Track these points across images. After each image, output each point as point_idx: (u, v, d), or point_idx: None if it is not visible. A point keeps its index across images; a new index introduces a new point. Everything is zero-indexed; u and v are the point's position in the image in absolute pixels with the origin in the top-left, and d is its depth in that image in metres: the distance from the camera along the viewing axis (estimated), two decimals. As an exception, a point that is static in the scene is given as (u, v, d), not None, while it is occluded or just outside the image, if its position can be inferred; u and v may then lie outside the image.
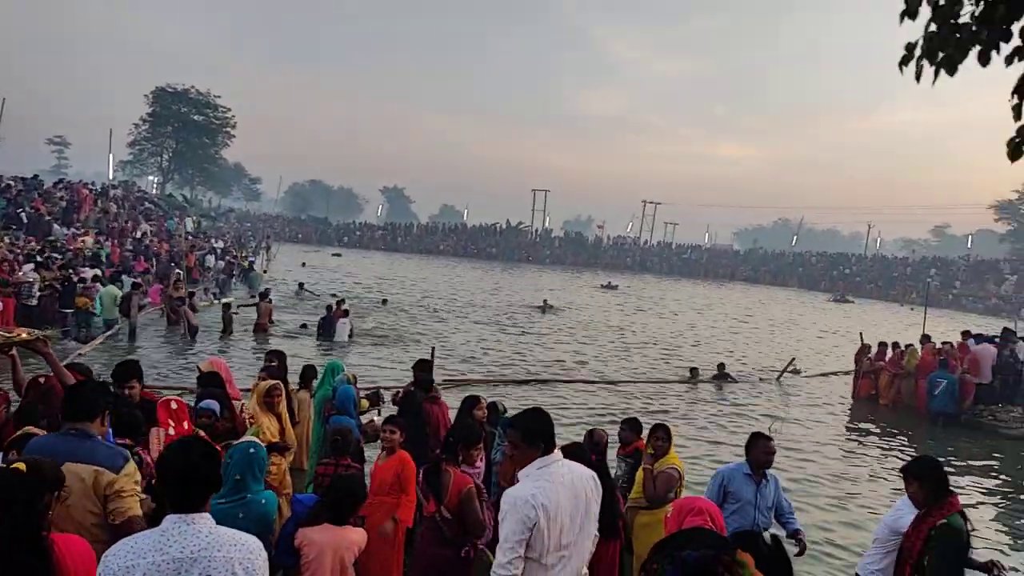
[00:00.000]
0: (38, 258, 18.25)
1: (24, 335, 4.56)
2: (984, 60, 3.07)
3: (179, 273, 23.67)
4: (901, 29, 3.31)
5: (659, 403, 14.15)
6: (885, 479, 10.19)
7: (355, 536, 3.91)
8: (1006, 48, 3.11)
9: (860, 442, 12.76)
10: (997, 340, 16.15)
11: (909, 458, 5.53)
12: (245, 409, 5.79)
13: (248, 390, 7.01)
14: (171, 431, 4.71)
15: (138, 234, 30.74)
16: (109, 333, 16.10)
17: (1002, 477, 11.00)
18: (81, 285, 16.94)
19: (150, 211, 40.44)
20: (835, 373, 19.29)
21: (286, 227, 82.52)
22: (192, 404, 5.60)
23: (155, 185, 71.82)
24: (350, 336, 18.24)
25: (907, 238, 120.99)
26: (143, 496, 3.37)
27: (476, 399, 6.44)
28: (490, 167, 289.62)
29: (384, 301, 27.19)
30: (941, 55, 3.14)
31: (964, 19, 3.05)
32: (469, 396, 6.52)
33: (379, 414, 7.49)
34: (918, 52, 3.19)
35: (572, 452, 3.79)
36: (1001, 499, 9.95)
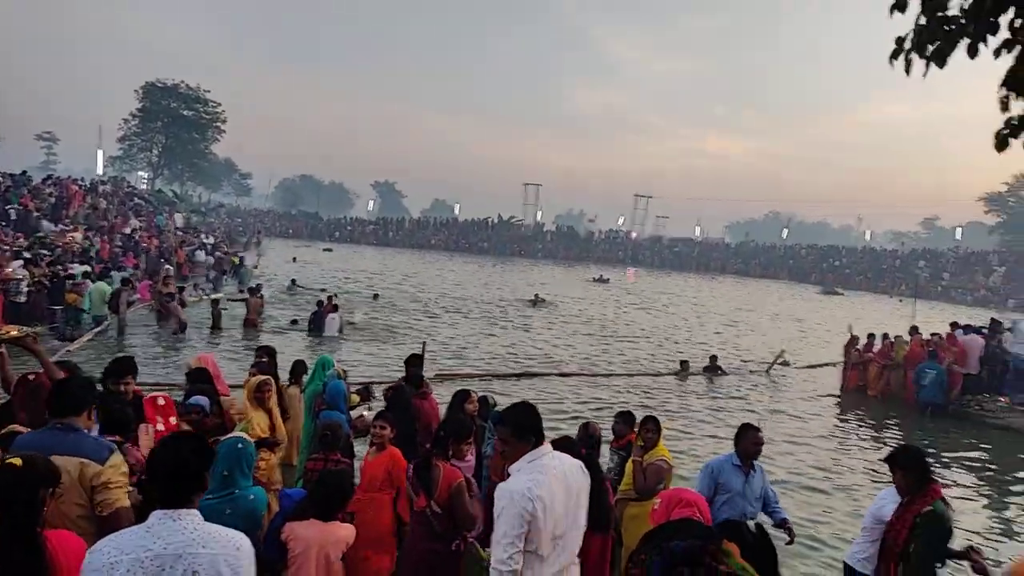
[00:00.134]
0: (26, 255, 18.12)
1: (13, 332, 4.53)
2: (973, 53, 3.08)
3: (169, 269, 23.57)
4: (891, 23, 3.31)
5: (650, 396, 14.19)
6: (875, 470, 10.26)
7: (342, 532, 3.89)
8: (994, 41, 3.11)
9: (849, 433, 12.84)
10: (985, 331, 16.29)
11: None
12: (234, 405, 5.76)
13: (238, 386, 6.99)
14: (160, 427, 4.69)
15: (127, 230, 30.55)
16: (98, 330, 16.00)
17: (990, 466, 11.09)
18: (70, 282, 16.81)
19: (140, 207, 40.20)
20: (824, 365, 19.39)
21: (277, 222, 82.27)
22: (181, 400, 5.59)
23: (145, 181, 71.46)
24: (340, 331, 18.20)
25: (897, 230, 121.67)
26: (130, 489, 3.36)
27: (467, 393, 6.43)
28: (484, 164, 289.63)
29: (375, 296, 27.14)
30: (931, 48, 3.14)
31: (953, 12, 3.06)
32: (460, 390, 6.50)
33: (369, 409, 7.48)
34: (908, 45, 3.19)
35: (562, 446, 3.79)
36: (989, 488, 10.04)
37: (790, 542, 5.18)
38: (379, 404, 7.53)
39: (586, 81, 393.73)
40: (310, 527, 3.82)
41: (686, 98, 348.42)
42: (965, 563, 4.35)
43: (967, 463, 11.13)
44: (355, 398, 7.56)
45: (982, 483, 10.23)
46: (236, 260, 32.39)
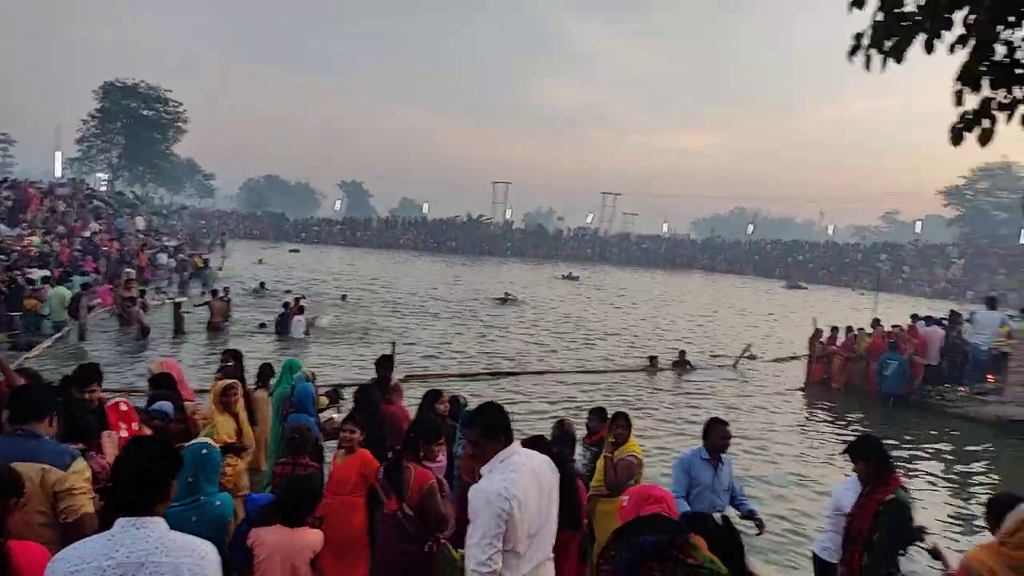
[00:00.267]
0: (-19, 260, 17.63)
1: None
2: (929, 48, 3.14)
3: (130, 272, 23.08)
4: (851, 20, 3.37)
5: (620, 392, 14.28)
6: (840, 462, 10.44)
7: (309, 538, 3.82)
8: (949, 36, 3.19)
9: (815, 426, 13.06)
10: (945, 322, 16.69)
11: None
12: (197, 410, 5.66)
13: (203, 391, 6.88)
14: (124, 433, 4.59)
15: (87, 233, 29.89)
16: (58, 336, 15.64)
17: (951, 455, 11.36)
18: (29, 287, 16.41)
19: (100, 209, 39.33)
20: (790, 358, 19.69)
21: (241, 223, 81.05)
22: (144, 406, 5.47)
23: (104, 182, 69.81)
24: (306, 332, 18.01)
25: (858, 224, 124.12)
26: (93, 496, 3.31)
27: (438, 393, 6.40)
28: (452, 162, 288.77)
29: (344, 297, 26.91)
30: (888, 44, 3.20)
31: (909, 8, 3.12)
32: (431, 390, 6.48)
33: (339, 411, 7.40)
34: (866, 41, 3.25)
35: (532, 444, 3.79)
36: (950, 477, 10.28)
37: (759, 533, 5.26)
38: (349, 406, 7.46)
39: (553, 77, 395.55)
40: (275, 533, 3.75)
41: (653, 93, 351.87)
42: (925, 549, 4.44)
43: (929, 452, 11.39)
44: (324, 401, 7.48)
45: (944, 472, 10.47)
46: (201, 262, 31.86)
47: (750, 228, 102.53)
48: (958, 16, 3.10)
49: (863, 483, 4.37)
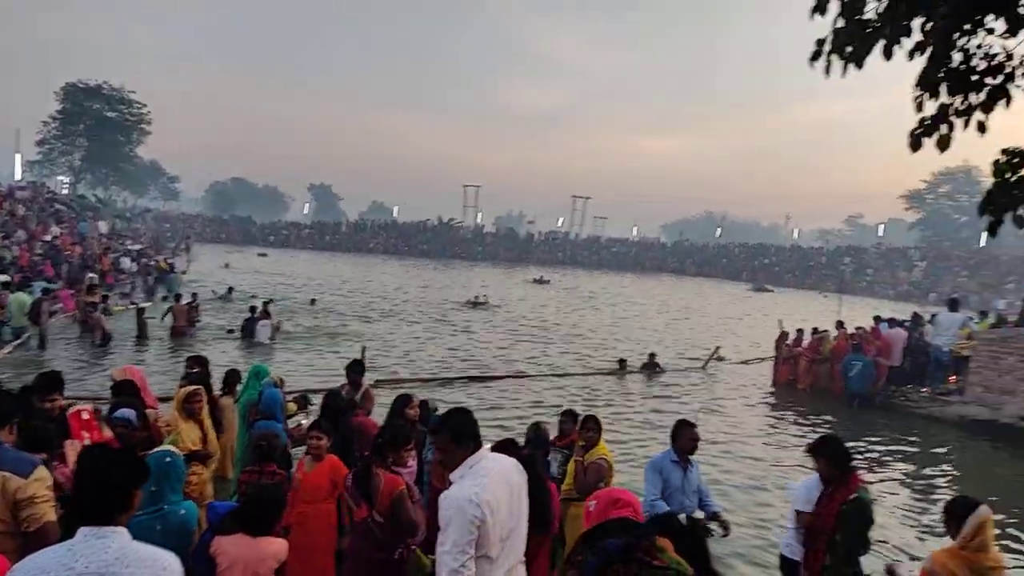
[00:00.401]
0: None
1: None
2: (888, 55, 3.21)
3: (93, 278, 22.61)
4: (813, 26, 3.42)
5: (590, 394, 14.32)
6: (808, 462, 10.58)
7: (272, 548, 3.74)
8: (908, 43, 3.26)
9: (782, 427, 13.22)
10: (907, 324, 17.04)
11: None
12: (160, 418, 5.55)
13: (168, 398, 6.75)
14: (87, 442, 4.49)
15: (48, 237, 29.21)
16: (18, 342, 15.27)
17: (914, 455, 11.58)
18: (-13, 292, 15.99)
19: (61, 213, 38.47)
20: (757, 360, 19.93)
21: (207, 227, 79.87)
22: (106, 413, 5.35)
23: (66, 185, 68.27)
24: (271, 337, 17.80)
25: (823, 228, 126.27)
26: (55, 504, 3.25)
27: (408, 398, 6.36)
28: (421, 164, 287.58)
29: (312, 301, 26.63)
30: (849, 50, 3.27)
31: (869, 15, 3.18)
32: (401, 395, 6.43)
33: (307, 417, 7.32)
34: (827, 47, 3.31)
35: (502, 448, 3.78)
36: (913, 476, 10.47)
37: (725, 535, 5.30)
38: (318, 412, 7.38)
39: (523, 80, 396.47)
40: (237, 542, 3.68)
41: (622, 97, 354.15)
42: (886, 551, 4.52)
43: (893, 452, 11.59)
44: (292, 407, 7.41)
45: (907, 471, 10.67)
46: (166, 266, 31.33)
47: (718, 232, 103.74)
48: (916, 23, 3.18)
49: (824, 482, 4.45)
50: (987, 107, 3.32)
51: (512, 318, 27.02)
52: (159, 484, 3.64)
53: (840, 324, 17.19)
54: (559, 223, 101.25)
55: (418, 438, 5.81)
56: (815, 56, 3.29)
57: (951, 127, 3.38)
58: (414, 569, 4.42)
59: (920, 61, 3.26)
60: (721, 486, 9.00)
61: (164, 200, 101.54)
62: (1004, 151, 3.35)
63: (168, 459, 3.77)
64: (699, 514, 5.39)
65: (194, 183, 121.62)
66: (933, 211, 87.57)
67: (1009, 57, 3.27)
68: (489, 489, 3.10)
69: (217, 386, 7.38)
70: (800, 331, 17.16)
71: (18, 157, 71.44)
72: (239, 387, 7.39)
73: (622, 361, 17.50)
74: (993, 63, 3.27)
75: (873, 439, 12.13)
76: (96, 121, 68.82)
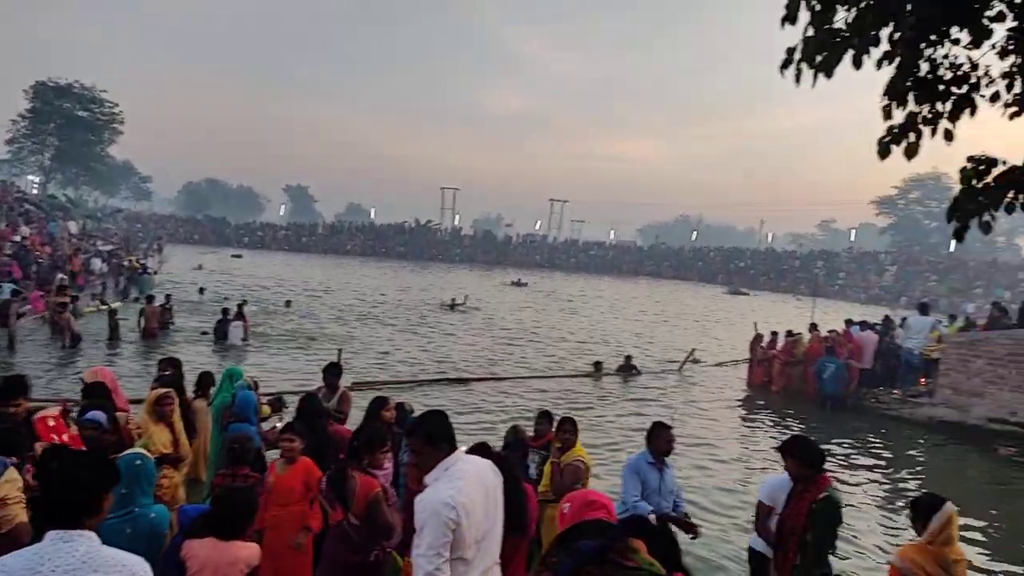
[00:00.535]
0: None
1: None
2: (857, 64, 3.27)
3: (63, 278, 22.24)
4: (785, 34, 3.48)
5: (567, 397, 14.36)
6: (779, 463, 10.70)
7: (243, 553, 3.69)
8: (877, 53, 3.33)
9: (756, 428, 13.37)
10: (878, 327, 17.31)
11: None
12: (131, 420, 5.47)
13: (139, 400, 6.66)
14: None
15: (17, 238, 28.62)
16: (-15, 344, 14.97)
17: (885, 456, 11.76)
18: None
19: (31, 213, 37.74)
20: (732, 362, 20.12)
21: (180, 227, 78.94)
22: (76, 416, 5.28)
23: (36, 185, 67.14)
24: (244, 339, 17.62)
25: (796, 233, 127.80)
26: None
27: (384, 400, 6.34)
28: (398, 166, 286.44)
29: (288, 303, 26.41)
30: (819, 59, 3.32)
31: (838, 25, 3.24)
32: (376, 397, 6.41)
33: (281, 420, 7.26)
34: (798, 56, 3.37)
35: (477, 451, 3.79)
36: (883, 476, 10.64)
37: (694, 537, 5.32)
38: (292, 415, 7.33)
39: (500, 84, 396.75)
40: (207, 546, 3.64)
41: (599, 101, 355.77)
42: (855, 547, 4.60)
43: (864, 453, 11.77)
44: (266, 410, 7.33)
45: (878, 471, 10.83)
46: (138, 266, 30.89)
47: (694, 235, 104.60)
48: (884, 34, 3.24)
49: (793, 481, 4.52)
50: (954, 116, 3.40)
51: (490, 321, 27.01)
52: (129, 487, 3.60)
53: (813, 327, 17.42)
54: (537, 226, 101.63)
55: (394, 440, 5.79)
56: (785, 64, 3.34)
57: (919, 135, 3.46)
58: (390, 571, 4.41)
59: (888, 70, 3.33)
60: (697, 487, 9.08)
61: (136, 200, 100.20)
62: (970, 158, 3.42)
63: (138, 462, 3.72)
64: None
65: (167, 183, 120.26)
66: (904, 217, 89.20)
67: (974, 67, 3.35)
68: (464, 491, 3.10)
69: (190, 389, 7.30)
70: (774, 334, 17.35)
71: (-14, 156, 70.14)
72: (212, 390, 7.31)
73: (598, 364, 17.57)
74: (959, 73, 3.35)
75: (845, 440, 12.30)
76: (67, 120, 67.73)
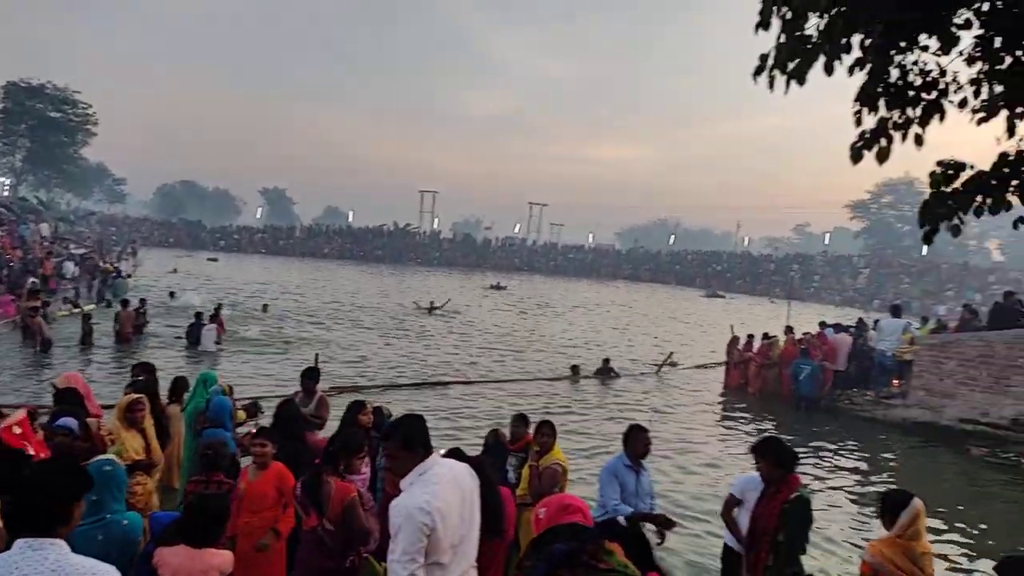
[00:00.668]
0: None
1: None
2: (828, 70, 3.32)
3: (34, 282, 21.87)
4: (758, 41, 3.52)
5: (546, 400, 14.38)
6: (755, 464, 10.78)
7: (215, 560, 3.65)
8: (848, 59, 3.38)
9: (732, 430, 13.47)
10: (852, 329, 17.53)
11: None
12: (103, 426, 5.39)
13: (113, 406, 6.57)
14: (30, 451, 4.34)
15: (-14, 240, 28.14)
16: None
17: (859, 456, 11.92)
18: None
19: (1, 215, 37.11)
20: (709, 365, 20.27)
21: (155, 231, 77.94)
22: (47, 422, 5.19)
23: (6, 187, 65.92)
24: (217, 343, 17.43)
25: (772, 236, 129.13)
26: None
27: (361, 404, 6.30)
28: (377, 169, 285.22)
29: (265, 307, 26.17)
30: (791, 65, 3.37)
31: (810, 31, 3.29)
32: (354, 401, 6.38)
33: (257, 426, 7.19)
34: (771, 62, 3.41)
35: (453, 456, 3.79)
36: (856, 476, 10.78)
37: (660, 541, 5.31)
38: (268, 421, 7.26)
39: (479, 87, 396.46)
40: (179, 553, 3.59)
41: (577, 105, 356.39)
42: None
43: (839, 453, 11.91)
44: (242, 415, 7.26)
45: (852, 472, 10.97)
46: (112, 269, 30.46)
47: (672, 239, 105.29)
48: (856, 40, 3.29)
49: (765, 481, 4.57)
50: (923, 121, 3.46)
51: (468, 324, 26.97)
52: (100, 493, 3.55)
53: (789, 329, 17.60)
54: (516, 229, 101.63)
55: (372, 445, 5.76)
56: (759, 71, 3.38)
57: (890, 140, 3.51)
58: (367, 576, 4.38)
59: (860, 76, 3.38)
60: (673, 489, 9.13)
61: (110, 203, 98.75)
62: (939, 163, 3.48)
63: (108, 468, 3.66)
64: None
65: (141, 186, 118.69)
66: (877, 221, 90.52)
67: (943, 73, 3.41)
68: (440, 496, 3.09)
69: (164, 394, 7.21)
70: (751, 336, 17.50)
71: (-46, 158, 68.80)
72: (186, 395, 7.23)
73: (575, 367, 17.62)
74: (928, 79, 3.41)
75: (819, 441, 12.44)
76: (39, 121, 66.60)
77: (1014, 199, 3.33)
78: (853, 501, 9.49)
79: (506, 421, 6.63)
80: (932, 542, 4.64)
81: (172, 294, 26.78)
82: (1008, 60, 3.26)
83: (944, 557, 7.49)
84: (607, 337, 26.26)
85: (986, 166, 3.39)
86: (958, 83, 3.41)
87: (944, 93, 3.42)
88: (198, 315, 18.11)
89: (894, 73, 3.40)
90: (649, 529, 5.20)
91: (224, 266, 50.00)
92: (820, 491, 9.60)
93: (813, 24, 3.25)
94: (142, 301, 19.80)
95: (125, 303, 18.61)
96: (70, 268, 30.11)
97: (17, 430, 4.39)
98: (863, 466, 11.34)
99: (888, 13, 3.12)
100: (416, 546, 2.98)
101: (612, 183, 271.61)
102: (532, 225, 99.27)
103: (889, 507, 4.04)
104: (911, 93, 3.41)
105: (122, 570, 2.43)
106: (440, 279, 54.19)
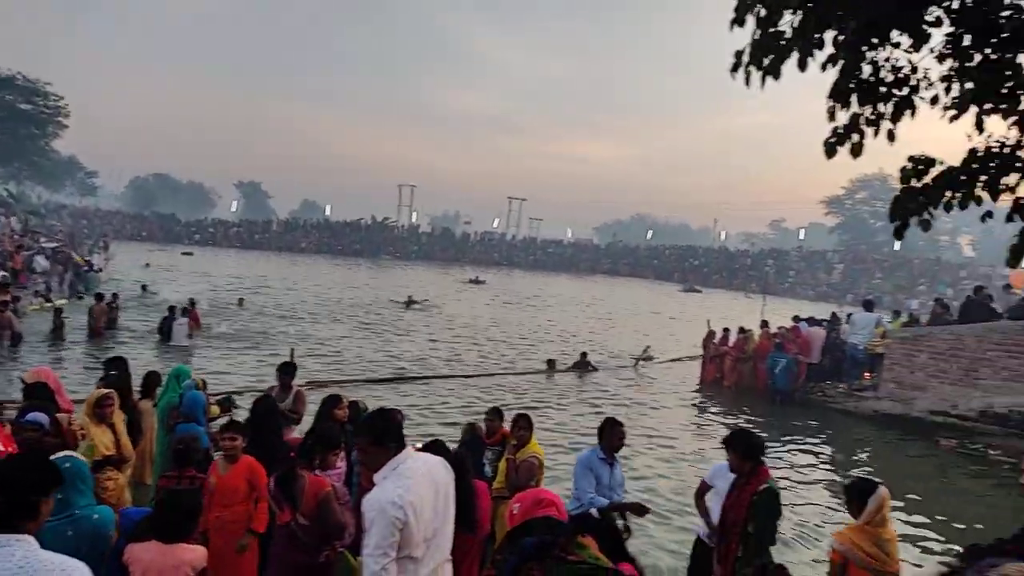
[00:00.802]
0: None
1: None
2: (802, 66, 3.35)
3: (4, 276, 21.44)
4: (735, 38, 3.54)
5: (522, 394, 14.41)
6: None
7: (188, 556, 3.62)
8: (821, 56, 3.41)
9: (708, 423, 13.60)
10: (826, 323, 17.77)
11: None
12: (74, 422, 5.31)
13: (84, 401, 6.47)
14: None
15: (-48, 233, 27.55)
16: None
17: (832, 446, 12.10)
18: None
19: (-33, 207, 36.36)
20: (686, 358, 20.42)
21: (127, 224, 76.76)
22: (15, 418, 5.10)
23: (-27, 180, 64.68)
24: (189, 336, 17.24)
25: (748, 232, 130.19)
26: None
27: (337, 398, 6.27)
28: (354, 162, 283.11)
29: (240, 301, 25.91)
30: (766, 62, 3.39)
31: (784, 28, 3.31)
32: (330, 395, 6.35)
33: (230, 420, 7.13)
34: (746, 58, 3.43)
35: (430, 449, 3.78)
36: (829, 467, 10.94)
37: (627, 536, 5.35)
38: (243, 415, 7.20)
39: (457, 82, 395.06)
40: (150, 549, 3.55)
41: (555, 101, 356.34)
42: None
43: (812, 444, 12.08)
44: (215, 410, 7.20)
45: (825, 463, 11.14)
46: (84, 262, 29.97)
47: (649, 234, 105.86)
48: (829, 37, 3.33)
49: (735, 472, 4.63)
50: (895, 117, 3.50)
51: (447, 319, 26.92)
52: (64, 490, 3.48)
53: (764, 324, 17.79)
54: (495, 224, 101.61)
55: (347, 439, 5.74)
56: (735, 67, 3.41)
57: (862, 135, 3.55)
58: (342, 571, 4.37)
59: (833, 73, 3.42)
60: (649, 480, 9.21)
61: (81, 196, 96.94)
62: (910, 158, 3.53)
63: (68, 464, 3.59)
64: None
65: (114, 179, 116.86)
66: (851, 216, 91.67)
67: (914, 70, 3.45)
68: (413, 490, 3.09)
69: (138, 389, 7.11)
70: (726, 330, 17.66)
71: (-80, 149, 67.20)
72: (159, 390, 7.14)
73: (551, 361, 17.67)
74: (900, 76, 3.45)
75: (793, 434, 12.60)
76: (8, 113, 65.18)
77: (983, 194, 3.39)
78: (824, 491, 9.63)
79: (483, 415, 6.63)
80: (900, 532, 4.74)
81: (144, 287, 26.42)
82: (978, 58, 3.31)
83: (913, 542, 7.64)
84: (585, 331, 26.35)
85: (956, 162, 3.44)
86: (929, 80, 3.45)
87: (915, 90, 3.47)
88: (171, 309, 17.88)
89: (866, 69, 3.44)
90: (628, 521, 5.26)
91: (198, 260, 49.40)
92: (795, 482, 9.74)
93: (787, 21, 3.28)
94: (115, 295, 19.52)
95: (99, 297, 18.33)
96: (41, 262, 29.57)
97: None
98: (835, 457, 11.52)
99: (860, 10, 3.15)
100: (388, 540, 2.98)
101: (591, 179, 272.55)
102: (511, 220, 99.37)
103: (856, 495, 4.13)
104: (883, 89, 3.45)
105: (93, 565, 2.40)
106: (418, 273, 54.01)
